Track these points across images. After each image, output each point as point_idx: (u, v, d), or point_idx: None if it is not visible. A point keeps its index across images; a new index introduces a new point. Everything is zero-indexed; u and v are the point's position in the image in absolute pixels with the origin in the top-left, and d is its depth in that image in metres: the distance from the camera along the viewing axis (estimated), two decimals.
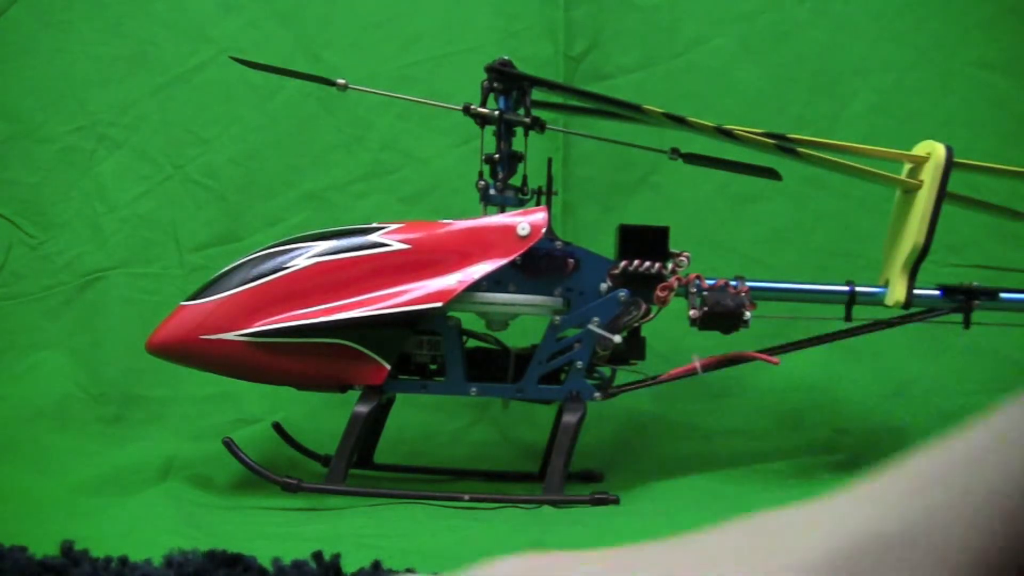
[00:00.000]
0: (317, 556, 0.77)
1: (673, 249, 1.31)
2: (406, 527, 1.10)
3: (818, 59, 1.78)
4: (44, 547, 0.78)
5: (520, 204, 1.33)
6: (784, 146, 1.31)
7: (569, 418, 1.27)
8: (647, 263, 1.29)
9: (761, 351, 1.31)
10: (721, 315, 1.28)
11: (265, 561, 0.78)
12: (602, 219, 1.68)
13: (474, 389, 1.29)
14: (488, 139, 1.34)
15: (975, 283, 1.38)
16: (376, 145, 1.75)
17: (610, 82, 1.73)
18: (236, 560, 0.77)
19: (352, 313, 1.24)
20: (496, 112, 1.33)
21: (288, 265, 1.26)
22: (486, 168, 1.34)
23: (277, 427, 1.46)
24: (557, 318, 1.29)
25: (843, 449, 1.49)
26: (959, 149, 1.31)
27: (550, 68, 1.71)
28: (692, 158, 1.38)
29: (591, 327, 1.28)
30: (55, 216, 1.73)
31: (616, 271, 1.29)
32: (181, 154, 1.74)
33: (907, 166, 1.34)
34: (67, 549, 0.77)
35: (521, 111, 1.34)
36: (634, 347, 1.33)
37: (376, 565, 0.79)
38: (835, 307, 1.37)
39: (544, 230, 1.27)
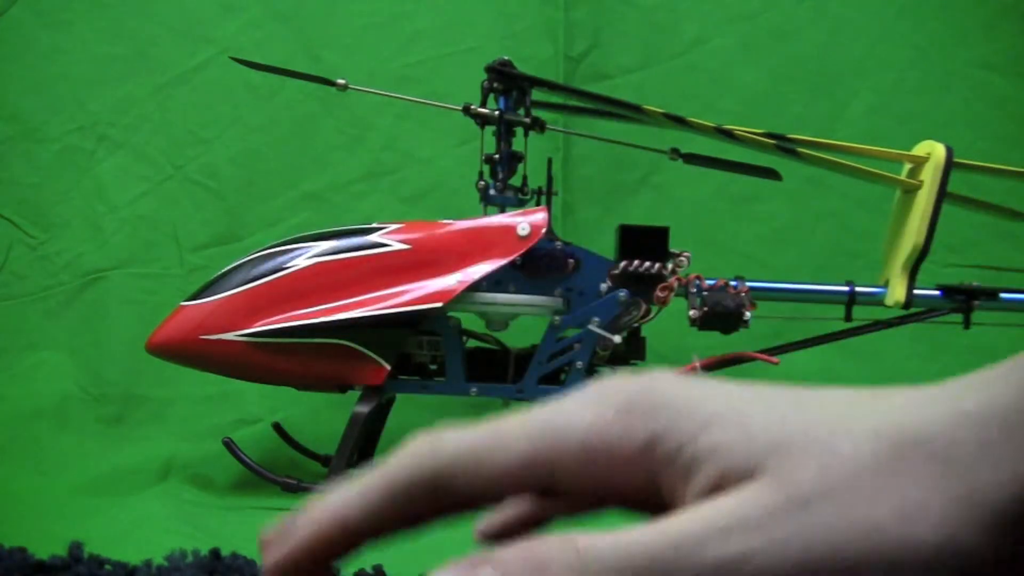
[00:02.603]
0: None
1: (673, 249, 1.31)
2: None
3: (818, 59, 1.78)
4: (44, 547, 0.78)
5: (520, 204, 1.33)
6: (784, 146, 1.31)
7: None
8: (647, 263, 1.29)
9: (761, 351, 1.31)
10: (721, 315, 1.28)
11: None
12: (602, 219, 1.68)
13: (474, 389, 1.29)
14: (488, 139, 1.34)
15: (975, 283, 1.38)
16: (376, 145, 1.75)
17: (610, 82, 1.73)
18: (236, 560, 0.77)
19: (352, 313, 1.24)
20: (496, 112, 1.33)
21: (288, 265, 1.26)
22: (486, 168, 1.34)
23: (277, 427, 1.46)
24: (557, 318, 1.29)
25: None
26: (959, 149, 1.31)
27: (550, 68, 1.71)
28: (692, 158, 1.38)
29: (591, 327, 1.28)
30: (55, 216, 1.73)
31: (616, 271, 1.29)
32: (181, 154, 1.74)
33: (907, 166, 1.34)
34: (73, 549, 0.77)
35: (521, 111, 1.34)
36: (634, 347, 1.33)
37: (377, 570, 0.79)
38: (835, 307, 1.37)
39: (544, 230, 1.27)
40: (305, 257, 1.26)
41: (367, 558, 0.83)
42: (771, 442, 0.24)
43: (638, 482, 0.25)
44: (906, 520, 0.22)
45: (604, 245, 1.35)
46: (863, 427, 0.24)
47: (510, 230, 1.27)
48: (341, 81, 1.37)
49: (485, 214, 1.34)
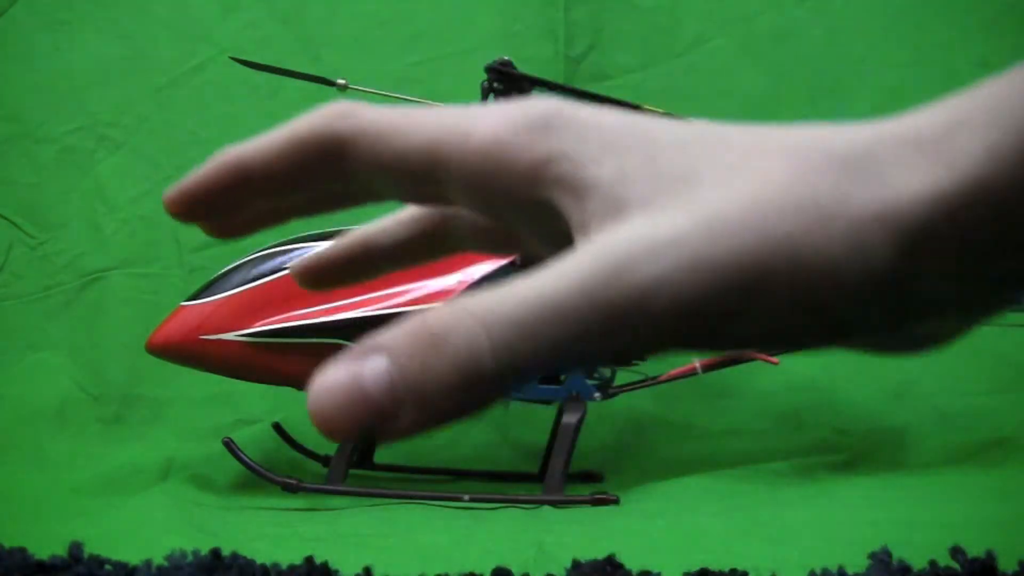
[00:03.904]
0: (309, 559, 0.77)
1: None
2: (406, 527, 1.10)
3: (818, 59, 1.78)
4: (44, 547, 0.78)
5: None
6: None
7: (569, 418, 1.27)
8: None
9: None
10: None
11: (265, 562, 0.78)
12: None
13: None
14: None
15: None
16: None
17: (610, 82, 1.73)
18: (236, 560, 0.77)
19: (352, 313, 1.24)
20: None
21: (288, 265, 1.26)
22: None
23: (277, 427, 1.46)
24: None
25: (843, 449, 1.49)
26: None
27: (550, 68, 1.71)
28: None
29: None
30: (55, 216, 1.73)
31: None
32: (181, 154, 1.74)
33: None
34: (73, 549, 0.77)
35: None
36: None
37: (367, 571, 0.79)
38: None
39: None
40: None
41: (356, 558, 0.83)
42: (678, 172, 0.23)
43: (527, 203, 0.24)
44: (814, 232, 0.22)
45: None
46: (779, 147, 0.23)
47: None
48: (341, 81, 1.37)
49: None
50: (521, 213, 0.25)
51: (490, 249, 0.30)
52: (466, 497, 1.24)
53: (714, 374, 1.34)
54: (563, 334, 0.21)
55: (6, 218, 1.73)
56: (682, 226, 0.22)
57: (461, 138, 0.24)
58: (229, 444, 1.29)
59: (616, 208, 0.23)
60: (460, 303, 0.21)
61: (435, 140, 0.25)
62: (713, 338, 0.22)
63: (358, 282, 0.32)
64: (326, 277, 0.32)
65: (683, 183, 0.23)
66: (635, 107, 1.34)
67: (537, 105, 0.24)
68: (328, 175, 0.26)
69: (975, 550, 0.70)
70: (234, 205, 0.27)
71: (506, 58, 1.34)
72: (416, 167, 0.25)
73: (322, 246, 1.15)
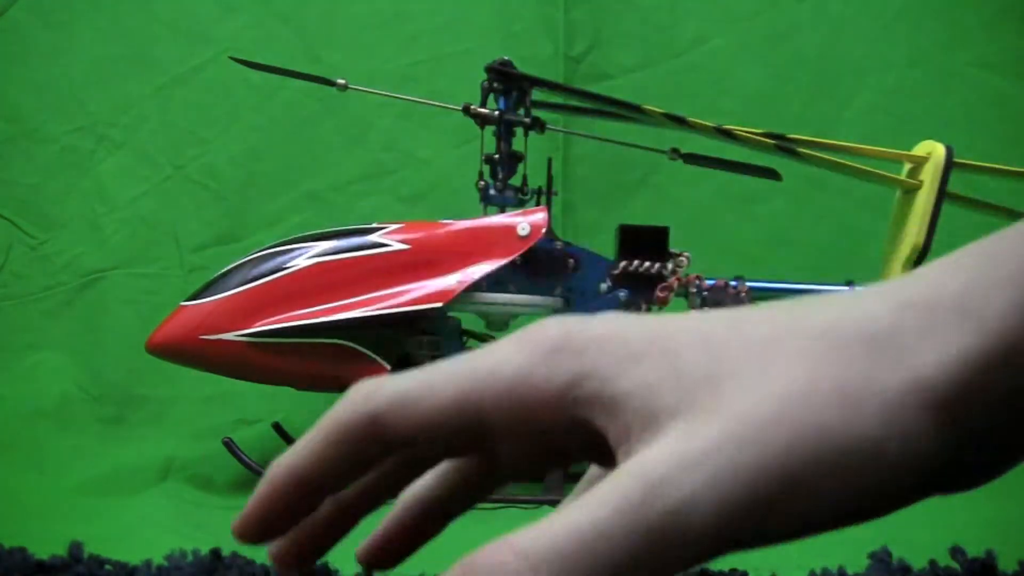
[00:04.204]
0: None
1: (673, 249, 1.31)
2: None
3: (818, 59, 1.78)
4: (44, 547, 0.78)
5: (520, 204, 1.33)
6: (784, 146, 1.31)
7: None
8: (647, 263, 1.29)
9: None
10: None
11: (265, 562, 0.78)
12: (602, 219, 1.68)
13: None
14: (488, 139, 1.35)
15: None
16: (376, 145, 1.75)
17: (610, 82, 1.73)
18: (235, 560, 0.77)
19: (352, 313, 1.24)
20: (496, 112, 1.33)
21: (288, 265, 1.26)
22: (486, 168, 1.34)
23: (277, 427, 1.46)
24: None
25: None
26: (959, 149, 1.31)
27: (550, 68, 1.71)
28: (692, 158, 1.38)
29: None
30: (55, 216, 1.73)
31: (616, 271, 1.29)
32: (181, 154, 1.74)
33: (907, 166, 1.34)
34: (73, 549, 0.77)
35: (521, 111, 1.34)
36: None
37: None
38: None
39: (544, 230, 1.27)
40: (305, 257, 1.26)
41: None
42: (702, 375, 0.23)
43: (565, 426, 0.24)
44: (847, 419, 0.21)
45: (604, 245, 1.35)
46: (800, 335, 0.23)
47: (510, 230, 1.27)
48: (341, 81, 1.37)
49: (485, 214, 1.34)
50: (562, 435, 0.25)
51: (538, 472, 0.30)
52: None
53: None
54: (607, 558, 0.21)
55: (6, 218, 1.72)
56: (712, 437, 0.21)
57: (485, 382, 0.25)
58: (229, 444, 1.29)
59: (647, 420, 0.23)
60: (506, 540, 0.22)
61: (462, 390, 0.25)
62: (760, 538, 0.22)
63: (424, 542, 0.32)
64: (396, 553, 0.34)
65: (708, 386, 0.22)
66: (635, 107, 1.34)
67: (547, 330, 0.24)
68: (372, 453, 0.26)
69: (975, 550, 0.70)
70: (301, 512, 0.28)
71: (506, 58, 1.34)
72: (451, 419, 0.25)
73: (321, 245, 1.15)
